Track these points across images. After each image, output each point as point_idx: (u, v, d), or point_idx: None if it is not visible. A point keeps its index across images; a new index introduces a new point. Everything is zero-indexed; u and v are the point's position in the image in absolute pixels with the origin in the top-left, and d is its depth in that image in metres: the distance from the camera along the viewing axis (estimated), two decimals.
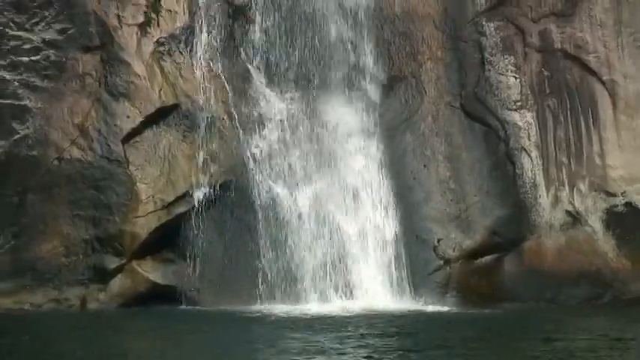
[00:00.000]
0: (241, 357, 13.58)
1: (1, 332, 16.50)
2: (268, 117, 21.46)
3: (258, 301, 20.12)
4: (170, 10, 21.19)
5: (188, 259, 20.55)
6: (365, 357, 13.15)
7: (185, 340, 15.66)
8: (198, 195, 20.74)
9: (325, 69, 21.88)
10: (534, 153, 21.76)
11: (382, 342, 14.99)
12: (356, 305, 19.86)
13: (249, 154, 21.20)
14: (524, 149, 21.73)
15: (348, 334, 15.71)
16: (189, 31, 21.38)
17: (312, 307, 19.66)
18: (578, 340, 15.07)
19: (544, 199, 21.65)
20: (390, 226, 21.41)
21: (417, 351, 14.24)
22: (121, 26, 20.81)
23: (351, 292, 20.65)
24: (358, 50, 22.17)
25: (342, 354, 13.29)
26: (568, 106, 21.96)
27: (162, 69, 21.04)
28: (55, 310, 19.88)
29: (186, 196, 20.74)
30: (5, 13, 20.10)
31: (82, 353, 14.05)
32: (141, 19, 20.84)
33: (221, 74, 21.39)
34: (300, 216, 21.00)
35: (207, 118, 21.09)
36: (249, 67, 21.61)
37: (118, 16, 20.74)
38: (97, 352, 14.09)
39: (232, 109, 21.29)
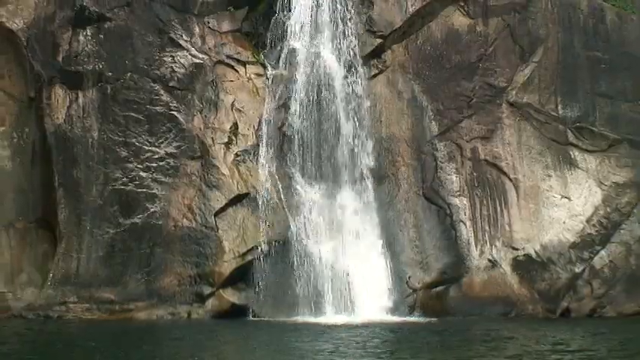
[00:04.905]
0: (278, 345, 17.28)
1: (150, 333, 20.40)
2: (304, 201, 25.15)
3: (297, 313, 23.72)
4: (244, 135, 25.42)
5: (254, 288, 24.16)
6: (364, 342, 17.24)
7: (253, 335, 19.65)
8: (261, 248, 24.49)
9: (340, 171, 25.43)
10: (468, 223, 25.55)
11: (381, 336, 19.54)
12: (357, 318, 23.32)
13: (292, 224, 24.90)
14: (462, 221, 25.55)
15: (354, 334, 19.18)
16: (256, 147, 25.25)
17: (329, 318, 23.18)
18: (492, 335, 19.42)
19: (474, 252, 25.42)
20: (380, 269, 24.81)
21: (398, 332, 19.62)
22: (214, 144, 25.03)
23: (355, 310, 24.11)
24: (360, 159, 25.65)
25: (345, 347, 16.42)
26: (489, 194, 25.67)
27: (239, 170, 24.94)
28: (171, 320, 23.63)
29: (253, 249, 24.42)
30: (143, 136, 24.72)
31: (196, 341, 17.81)
32: (226, 140, 25.18)
33: (275, 174, 25.22)
34: (322, 261, 24.42)
35: (266, 201, 24.84)
36: (292, 169, 25.42)
37: (212, 138, 25.08)
38: (198, 344, 17.41)
39: (282, 196, 25.03)
